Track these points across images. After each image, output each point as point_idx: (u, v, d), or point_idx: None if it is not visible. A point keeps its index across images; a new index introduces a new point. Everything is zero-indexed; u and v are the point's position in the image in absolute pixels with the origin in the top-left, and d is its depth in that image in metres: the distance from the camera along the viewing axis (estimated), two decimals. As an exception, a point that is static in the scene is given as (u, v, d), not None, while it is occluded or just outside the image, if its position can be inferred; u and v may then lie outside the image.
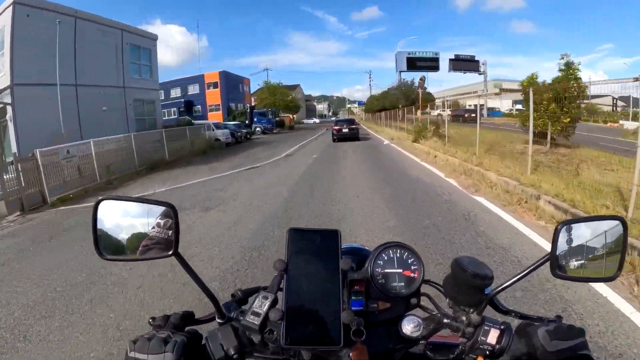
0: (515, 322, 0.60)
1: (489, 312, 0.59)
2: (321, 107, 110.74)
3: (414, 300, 0.63)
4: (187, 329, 0.56)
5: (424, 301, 0.65)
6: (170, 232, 0.54)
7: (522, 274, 0.56)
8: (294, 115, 72.78)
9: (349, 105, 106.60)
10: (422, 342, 0.60)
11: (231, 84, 39.46)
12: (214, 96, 40.51)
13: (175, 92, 42.53)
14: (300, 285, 0.52)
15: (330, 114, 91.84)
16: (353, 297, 0.62)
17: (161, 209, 0.55)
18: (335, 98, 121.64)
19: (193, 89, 41.59)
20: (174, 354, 0.49)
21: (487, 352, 0.55)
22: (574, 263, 0.57)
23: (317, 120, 64.96)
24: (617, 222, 0.57)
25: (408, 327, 0.58)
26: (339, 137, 17.02)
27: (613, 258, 0.57)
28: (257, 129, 32.93)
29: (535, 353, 0.52)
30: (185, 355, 0.49)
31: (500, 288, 0.57)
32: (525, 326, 0.56)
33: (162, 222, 0.55)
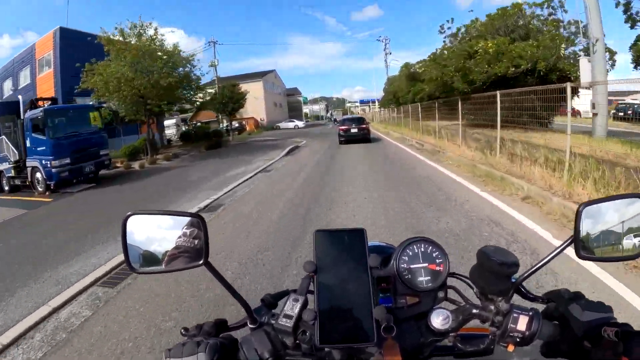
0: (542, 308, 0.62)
1: (516, 300, 0.63)
2: (317, 107, 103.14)
3: (441, 294, 0.67)
4: (220, 335, 0.61)
5: (451, 294, 0.70)
6: (199, 241, 0.59)
7: (546, 259, 0.60)
8: (256, 119, 42.16)
9: (348, 104, 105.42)
10: (452, 334, 0.64)
11: (84, 57, 9.83)
12: (47, 86, 9.86)
13: (8, 86, 11.57)
14: (330, 285, 0.57)
15: (329, 114, 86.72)
16: (381, 295, 0.66)
17: (190, 219, 0.60)
18: (335, 99, 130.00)
19: (24, 78, 10.77)
20: (206, 353, 0.53)
21: (518, 339, 0.59)
22: (597, 243, 0.60)
23: (301, 124, 48.62)
24: (637, 199, 0.60)
25: (437, 320, 0.61)
26: (347, 139, 15.89)
27: (636, 235, 0.60)
28: (38, 175, 11.34)
29: (569, 326, 0.57)
30: (219, 357, 0.54)
31: (526, 274, 0.61)
32: (554, 307, 0.61)
33: (190, 232, 0.59)
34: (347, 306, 0.55)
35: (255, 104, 44.72)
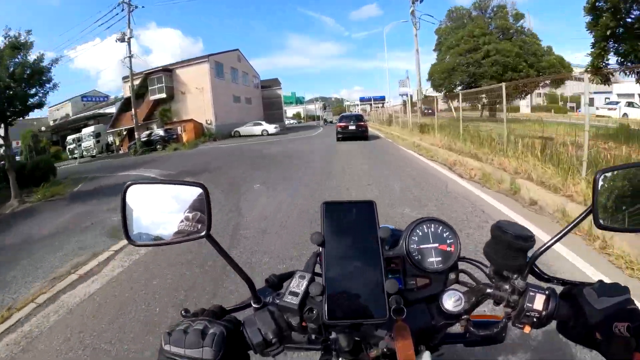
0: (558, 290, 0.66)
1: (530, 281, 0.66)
2: (313, 107, 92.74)
3: (452, 275, 0.68)
4: (223, 318, 0.61)
5: (463, 277, 0.71)
6: (201, 212, 0.59)
7: (563, 232, 0.61)
8: (197, 122, 30.90)
9: (347, 103, 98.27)
10: (464, 317, 0.64)
11: None
12: None
13: None
14: (339, 259, 0.57)
15: (322, 114, 72.76)
16: (390, 276, 0.65)
17: (192, 189, 0.59)
18: (333, 99, 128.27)
19: None
20: (213, 347, 0.51)
21: (535, 320, 0.60)
22: (616, 212, 0.61)
23: (272, 128, 32.37)
24: None
25: (449, 301, 0.61)
26: (345, 136, 17.54)
27: None
28: None
29: (583, 313, 0.58)
30: (226, 350, 0.54)
31: (543, 248, 0.63)
32: (569, 290, 0.64)
33: (192, 203, 0.59)
34: (357, 280, 0.55)
35: (201, 99, 28.75)
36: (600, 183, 0.58)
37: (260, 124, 33.22)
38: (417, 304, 0.64)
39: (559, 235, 0.60)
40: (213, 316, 0.58)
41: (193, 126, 29.58)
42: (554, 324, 0.63)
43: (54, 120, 41.55)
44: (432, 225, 0.68)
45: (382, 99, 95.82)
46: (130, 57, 28.16)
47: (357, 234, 0.58)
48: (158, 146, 26.00)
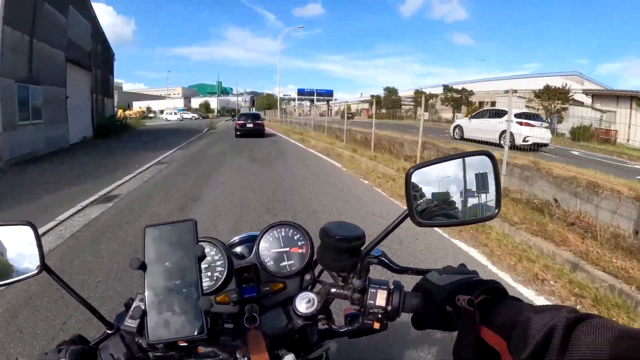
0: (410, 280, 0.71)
1: (384, 274, 0.70)
2: (235, 99, 75.99)
3: (308, 276, 0.71)
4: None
5: (325, 276, 0.74)
6: (31, 249, 0.61)
7: (387, 230, 0.61)
8: None
9: (281, 96, 69.22)
10: (321, 316, 0.68)
11: None
12: None
13: None
14: (159, 280, 0.58)
15: (242, 107, 66.17)
16: (244, 285, 0.69)
17: (19, 228, 0.61)
18: (265, 94, 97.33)
19: None
20: (67, 359, 0.57)
21: (380, 316, 0.61)
22: (432, 208, 0.59)
23: None
24: (482, 156, 0.59)
25: (302, 304, 0.64)
26: (242, 133, 19.14)
27: (487, 195, 0.59)
28: None
29: (430, 295, 0.60)
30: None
31: (368, 247, 0.63)
32: (421, 280, 0.67)
33: (22, 242, 0.61)
34: (176, 300, 0.56)
35: None
36: (414, 179, 0.56)
37: None
38: (273, 309, 0.67)
39: (384, 234, 0.59)
40: (73, 343, 0.64)
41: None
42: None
43: None
44: (283, 229, 0.70)
45: (329, 93, 71.41)
46: None
47: (176, 254, 0.58)
48: None
